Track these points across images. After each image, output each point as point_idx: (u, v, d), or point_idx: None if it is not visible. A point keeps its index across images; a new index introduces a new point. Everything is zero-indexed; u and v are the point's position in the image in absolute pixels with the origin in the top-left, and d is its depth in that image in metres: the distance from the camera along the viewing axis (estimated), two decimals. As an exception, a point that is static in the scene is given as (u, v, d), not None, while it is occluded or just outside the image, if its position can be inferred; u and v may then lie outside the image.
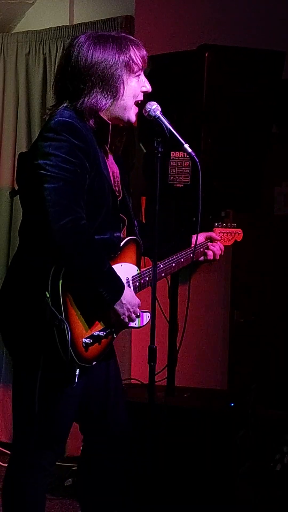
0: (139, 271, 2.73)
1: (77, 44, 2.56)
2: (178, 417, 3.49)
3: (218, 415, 3.50)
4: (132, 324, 2.64)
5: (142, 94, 2.65)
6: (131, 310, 2.58)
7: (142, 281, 2.71)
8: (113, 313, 2.55)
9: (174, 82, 3.52)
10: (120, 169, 2.73)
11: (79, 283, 2.47)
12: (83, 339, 2.50)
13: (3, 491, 2.69)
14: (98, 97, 2.54)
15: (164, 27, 4.11)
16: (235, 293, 4.24)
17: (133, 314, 2.59)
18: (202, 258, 3.04)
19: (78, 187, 2.46)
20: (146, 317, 2.68)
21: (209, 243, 3.04)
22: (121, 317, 2.57)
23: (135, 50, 2.59)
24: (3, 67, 4.60)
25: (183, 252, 2.90)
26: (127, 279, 2.66)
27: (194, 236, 2.91)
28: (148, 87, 2.65)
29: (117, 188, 2.67)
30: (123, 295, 2.54)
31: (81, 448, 2.94)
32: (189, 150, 2.58)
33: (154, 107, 2.58)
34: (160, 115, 2.57)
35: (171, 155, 3.46)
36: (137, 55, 2.58)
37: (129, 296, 2.57)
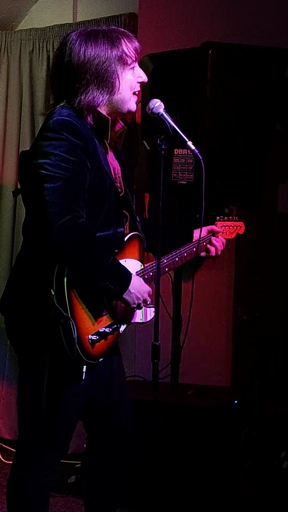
0: (142, 267, 2.73)
1: (69, 42, 2.55)
2: (182, 414, 3.49)
3: (222, 412, 3.50)
4: (136, 320, 2.64)
5: (139, 84, 2.64)
6: (141, 298, 2.57)
7: (146, 276, 2.71)
8: (124, 303, 2.55)
9: (177, 79, 3.52)
10: (121, 164, 2.72)
11: (84, 281, 2.46)
12: (89, 336, 2.50)
13: (8, 489, 2.69)
14: (95, 94, 2.53)
15: (167, 25, 4.10)
16: (238, 290, 4.22)
17: (142, 303, 2.58)
18: (203, 254, 3.03)
19: (78, 186, 2.45)
20: (151, 312, 2.68)
21: (212, 238, 3.03)
22: (131, 306, 2.56)
23: (127, 43, 2.57)
24: (6, 64, 4.60)
25: (186, 247, 2.90)
26: (131, 275, 2.66)
27: (196, 231, 2.90)
28: (144, 77, 2.64)
29: (118, 184, 2.67)
30: (130, 284, 2.53)
31: (84, 445, 2.95)
32: (193, 147, 2.58)
33: (157, 105, 2.58)
34: (164, 113, 2.57)
35: (175, 152, 3.46)
36: (129, 47, 2.57)
37: (137, 284, 2.56)
